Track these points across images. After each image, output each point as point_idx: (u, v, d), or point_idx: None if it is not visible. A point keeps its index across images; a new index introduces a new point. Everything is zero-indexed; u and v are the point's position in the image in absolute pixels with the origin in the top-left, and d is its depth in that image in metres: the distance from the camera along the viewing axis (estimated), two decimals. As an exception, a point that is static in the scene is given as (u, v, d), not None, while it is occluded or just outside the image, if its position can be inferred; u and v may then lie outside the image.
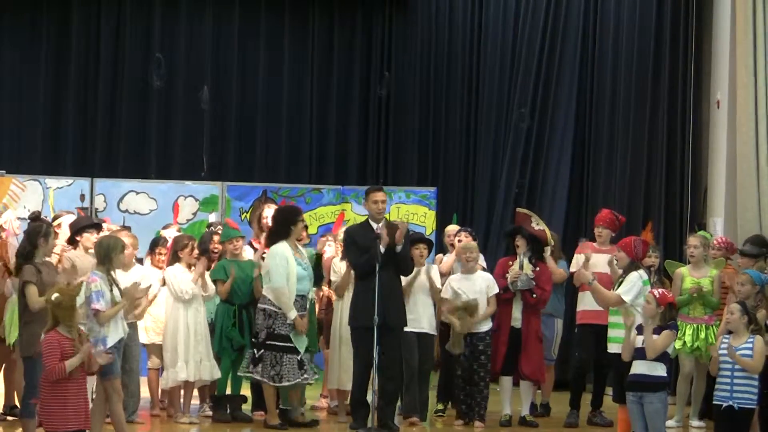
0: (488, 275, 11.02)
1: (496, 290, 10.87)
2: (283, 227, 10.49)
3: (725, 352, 8.83)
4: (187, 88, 15.21)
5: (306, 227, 10.91)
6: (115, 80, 15.22)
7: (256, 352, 10.39)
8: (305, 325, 10.35)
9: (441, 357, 11.31)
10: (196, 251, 10.73)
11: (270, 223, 10.93)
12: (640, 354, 8.87)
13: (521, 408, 11.11)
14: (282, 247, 10.39)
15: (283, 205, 10.94)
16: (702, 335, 11.03)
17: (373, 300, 10.04)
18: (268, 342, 10.32)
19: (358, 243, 10.42)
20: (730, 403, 8.77)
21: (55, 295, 7.99)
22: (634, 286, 9.63)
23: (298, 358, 10.30)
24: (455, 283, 10.91)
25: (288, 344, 10.27)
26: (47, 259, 9.55)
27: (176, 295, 10.61)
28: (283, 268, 10.26)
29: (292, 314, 10.26)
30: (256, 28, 15.61)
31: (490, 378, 10.95)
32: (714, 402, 8.94)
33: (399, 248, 10.28)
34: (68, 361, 7.80)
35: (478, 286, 10.85)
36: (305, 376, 10.39)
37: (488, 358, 10.85)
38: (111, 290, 9.00)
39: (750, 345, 8.84)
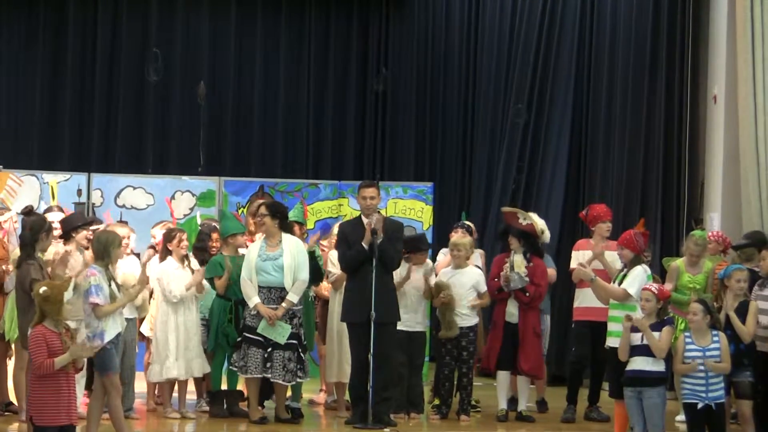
0: (478, 271, 11.05)
1: (484, 287, 10.97)
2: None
3: (694, 355, 8.82)
4: (183, 83, 15.19)
5: (263, 218, 10.69)
6: (111, 75, 15.20)
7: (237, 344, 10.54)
8: (270, 314, 10.25)
9: (435, 351, 11.31)
10: (185, 242, 10.71)
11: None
12: (638, 350, 8.86)
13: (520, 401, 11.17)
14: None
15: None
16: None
17: (363, 296, 10.15)
18: (244, 334, 10.42)
19: (348, 238, 10.48)
20: (707, 402, 8.80)
21: (42, 289, 7.92)
22: (637, 279, 9.63)
23: (265, 353, 10.27)
24: (444, 277, 10.99)
25: (253, 336, 10.30)
26: (40, 254, 9.54)
27: (165, 295, 10.62)
28: (246, 261, 10.44)
29: (252, 301, 10.33)
30: (253, 23, 15.58)
31: (474, 373, 11.04)
32: (687, 402, 8.96)
33: (366, 243, 10.27)
34: (57, 358, 7.76)
35: (467, 281, 10.92)
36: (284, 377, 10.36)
37: (470, 355, 10.94)
38: (110, 285, 8.98)
39: (717, 346, 8.87)
